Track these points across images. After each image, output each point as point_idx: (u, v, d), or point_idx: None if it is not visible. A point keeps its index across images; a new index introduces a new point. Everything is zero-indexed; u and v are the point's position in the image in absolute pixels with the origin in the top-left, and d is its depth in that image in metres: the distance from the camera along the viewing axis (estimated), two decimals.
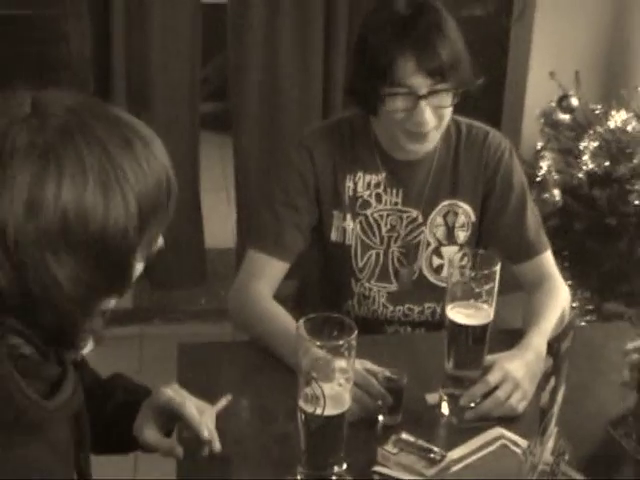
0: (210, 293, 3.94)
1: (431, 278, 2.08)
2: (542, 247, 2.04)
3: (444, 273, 2.05)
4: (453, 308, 1.64)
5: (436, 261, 2.07)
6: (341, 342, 1.38)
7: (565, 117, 3.18)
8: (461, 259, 1.94)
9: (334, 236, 2.05)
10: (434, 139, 1.93)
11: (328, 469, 1.47)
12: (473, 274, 1.60)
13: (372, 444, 1.55)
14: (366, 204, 2.03)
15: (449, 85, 1.84)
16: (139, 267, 1.20)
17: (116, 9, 3.44)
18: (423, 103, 1.82)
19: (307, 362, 1.39)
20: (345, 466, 1.48)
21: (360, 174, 2.02)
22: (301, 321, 1.41)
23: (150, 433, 1.46)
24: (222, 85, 5.14)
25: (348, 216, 2.03)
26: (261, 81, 3.66)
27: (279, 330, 1.81)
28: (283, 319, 1.84)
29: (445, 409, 1.69)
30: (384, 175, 2.02)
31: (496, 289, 1.62)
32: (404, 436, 1.56)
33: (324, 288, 2.16)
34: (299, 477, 1.47)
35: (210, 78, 5.10)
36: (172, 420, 1.49)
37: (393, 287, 2.08)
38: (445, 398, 1.69)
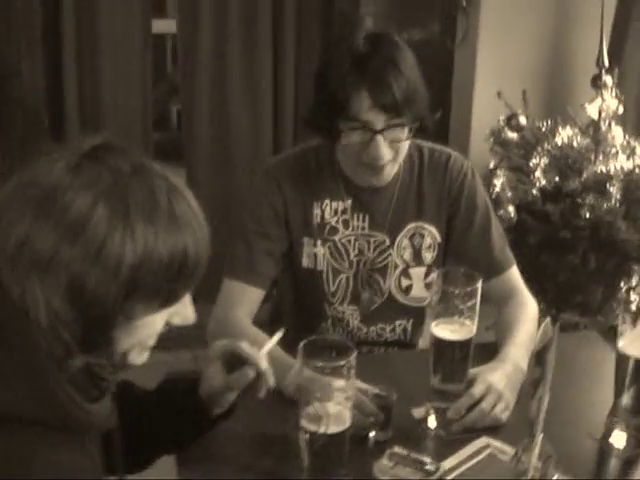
0: None
1: (400, 298, 2.15)
2: (508, 263, 2.12)
3: (413, 293, 2.14)
4: (437, 325, 1.71)
5: (404, 282, 2.13)
6: (342, 363, 1.44)
7: (513, 135, 3.30)
8: (425, 276, 2.08)
9: (305, 262, 2.10)
10: (391, 172, 2.00)
11: None
12: (457, 292, 1.67)
13: (365, 459, 1.60)
14: (334, 230, 2.09)
15: (404, 120, 1.89)
16: (140, 333, 1.17)
17: (67, 40, 3.47)
18: (379, 137, 1.88)
19: (308, 383, 1.45)
20: None
21: (327, 201, 2.08)
22: (301, 344, 1.46)
23: (222, 376, 1.51)
24: (165, 114, 5.22)
25: (318, 242, 2.08)
26: (212, 109, 3.71)
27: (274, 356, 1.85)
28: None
29: (432, 422, 1.75)
30: (349, 202, 2.08)
31: (478, 305, 1.70)
32: (397, 450, 1.62)
33: (298, 312, 2.21)
34: None
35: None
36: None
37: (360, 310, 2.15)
38: (432, 412, 1.76)
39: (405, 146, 1.96)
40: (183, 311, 1.21)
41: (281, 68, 3.74)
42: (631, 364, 1.67)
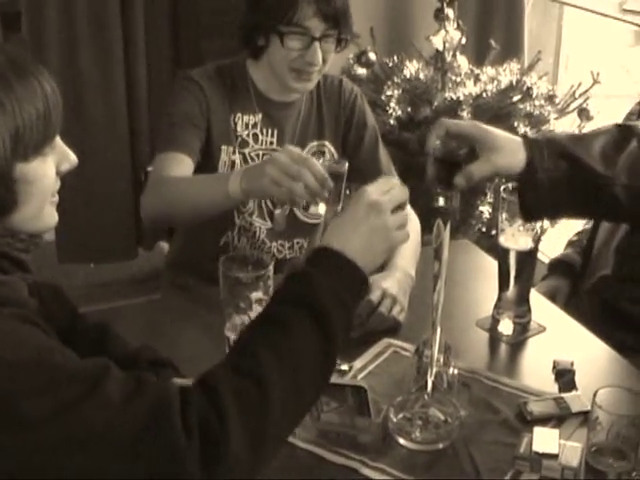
0: None
1: (300, 215, 2.26)
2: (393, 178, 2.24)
3: (311, 210, 2.21)
4: None
5: None
6: (260, 273, 1.53)
7: (364, 71, 3.42)
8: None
9: (222, 169, 2.16)
10: (315, 80, 2.13)
11: None
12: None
13: None
14: (244, 143, 2.18)
15: (338, 32, 2.05)
16: (37, 180, 1.25)
17: None
18: (317, 44, 2.02)
19: (228, 295, 1.53)
20: None
21: (239, 114, 2.17)
22: (221, 259, 1.54)
23: None
24: None
25: (236, 150, 2.17)
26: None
27: (207, 177, 1.97)
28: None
29: None
30: (260, 116, 2.18)
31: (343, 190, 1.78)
32: None
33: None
34: None
35: None
36: None
37: (269, 225, 2.24)
38: None
39: (331, 58, 2.10)
40: (66, 156, 1.29)
41: (130, 22, 3.69)
42: (512, 256, 1.83)
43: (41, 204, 1.27)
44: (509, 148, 1.63)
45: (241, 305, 1.52)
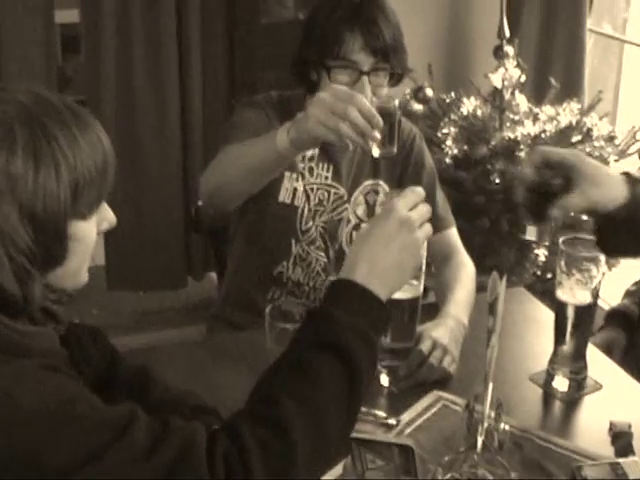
0: None
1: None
2: (449, 223, 2.23)
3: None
4: None
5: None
6: None
7: (420, 107, 3.39)
8: None
9: (282, 196, 2.14)
10: None
11: None
12: None
13: None
14: (300, 176, 2.16)
15: (389, 65, 2.01)
16: (84, 238, 1.24)
17: None
18: (365, 79, 1.98)
19: (274, 345, 1.49)
20: None
21: None
22: (268, 309, 1.50)
23: None
24: None
25: (299, 178, 2.14)
26: (117, 99, 3.65)
27: (257, 138, 1.88)
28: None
29: (385, 381, 1.81)
30: (317, 150, 2.15)
31: (424, 265, 1.76)
32: None
33: (259, 250, 2.22)
34: None
35: None
36: None
37: (324, 259, 2.21)
38: (383, 371, 1.82)
39: (384, 93, 2.04)
40: (106, 215, 1.29)
41: (186, 51, 3.71)
42: (570, 311, 1.76)
43: (82, 262, 1.27)
44: (608, 183, 1.58)
45: None
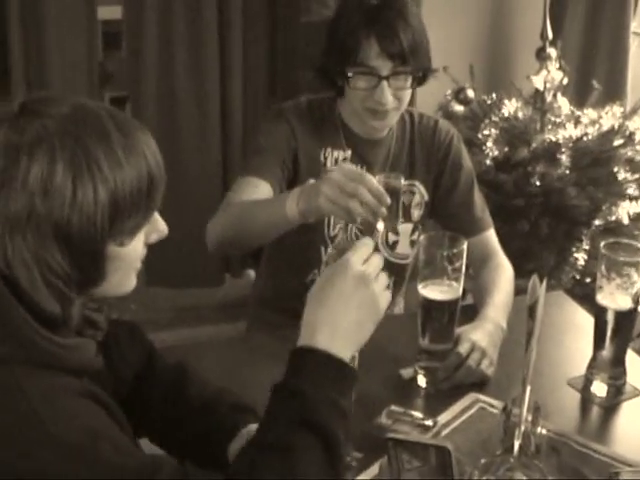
0: None
1: (386, 254, 2.21)
2: (487, 224, 2.22)
3: (398, 249, 2.24)
4: (426, 286, 1.77)
5: (391, 237, 2.23)
6: None
7: (461, 109, 3.37)
8: (412, 233, 2.16)
9: None
10: (393, 118, 2.11)
11: None
12: (445, 253, 1.74)
13: (363, 420, 1.64)
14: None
15: (409, 69, 2.01)
16: (126, 257, 1.21)
17: (13, 33, 3.42)
18: (384, 84, 1.99)
19: None
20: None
21: (329, 149, 2.16)
22: None
23: None
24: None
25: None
26: (158, 96, 3.68)
27: (266, 199, 1.95)
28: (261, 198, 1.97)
29: (422, 382, 1.82)
30: (349, 152, 2.16)
31: (463, 267, 1.76)
32: (394, 408, 1.68)
33: (289, 256, 2.23)
34: None
35: None
36: None
37: None
38: (421, 372, 1.82)
39: (407, 95, 2.06)
40: (156, 226, 1.26)
41: (228, 50, 3.73)
42: (610, 316, 1.75)
43: (126, 275, 1.25)
44: None
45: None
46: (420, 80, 2.07)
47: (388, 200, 1.66)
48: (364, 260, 1.28)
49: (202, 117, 3.72)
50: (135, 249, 1.23)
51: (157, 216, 1.26)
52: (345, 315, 1.24)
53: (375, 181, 1.66)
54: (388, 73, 1.99)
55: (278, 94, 3.68)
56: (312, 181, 1.76)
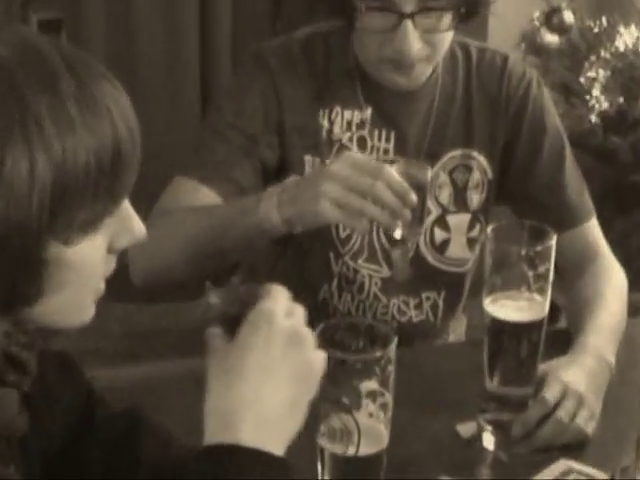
0: None
1: (432, 259, 2.20)
2: (587, 213, 2.21)
3: (450, 252, 2.20)
4: (495, 301, 1.77)
5: (440, 235, 2.19)
6: (377, 355, 1.50)
7: (555, 39, 3.37)
8: (470, 228, 2.18)
9: None
10: (423, 74, 2.05)
11: None
12: (524, 252, 1.73)
13: None
14: (345, 151, 2.10)
15: (445, 2, 1.95)
16: (81, 263, 1.19)
17: None
18: (408, 23, 1.92)
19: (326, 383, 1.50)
20: None
21: (337, 109, 2.12)
22: (318, 329, 1.51)
23: None
24: None
25: (326, 163, 2.07)
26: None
27: (222, 209, 1.96)
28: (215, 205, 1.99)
29: (489, 442, 1.81)
30: (369, 112, 2.13)
31: (552, 273, 1.75)
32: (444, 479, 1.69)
33: (291, 270, 2.22)
34: None
35: None
36: None
37: (384, 272, 2.18)
38: (488, 427, 1.82)
39: (445, 40, 2.01)
40: (128, 225, 1.23)
41: None
42: None
43: (78, 295, 1.22)
44: None
45: (344, 400, 1.49)
46: (464, 17, 1.99)
47: (414, 200, 1.69)
48: (288, 312, 1.30)
49: (173, 54, 3.75)
50: (91, 255, 1.20)
51: (129, 210, 1.24)
52: (273, 396, 1.26)
53: (396, 174, 1.67)
54: (413, 9, 1.92)
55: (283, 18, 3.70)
56: (295, 177, 1.77)
